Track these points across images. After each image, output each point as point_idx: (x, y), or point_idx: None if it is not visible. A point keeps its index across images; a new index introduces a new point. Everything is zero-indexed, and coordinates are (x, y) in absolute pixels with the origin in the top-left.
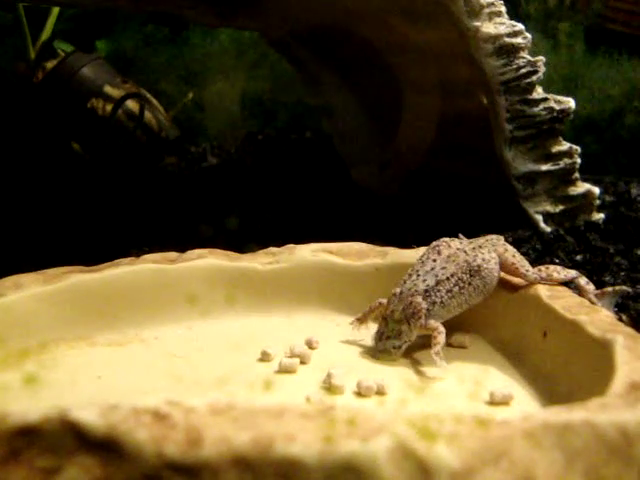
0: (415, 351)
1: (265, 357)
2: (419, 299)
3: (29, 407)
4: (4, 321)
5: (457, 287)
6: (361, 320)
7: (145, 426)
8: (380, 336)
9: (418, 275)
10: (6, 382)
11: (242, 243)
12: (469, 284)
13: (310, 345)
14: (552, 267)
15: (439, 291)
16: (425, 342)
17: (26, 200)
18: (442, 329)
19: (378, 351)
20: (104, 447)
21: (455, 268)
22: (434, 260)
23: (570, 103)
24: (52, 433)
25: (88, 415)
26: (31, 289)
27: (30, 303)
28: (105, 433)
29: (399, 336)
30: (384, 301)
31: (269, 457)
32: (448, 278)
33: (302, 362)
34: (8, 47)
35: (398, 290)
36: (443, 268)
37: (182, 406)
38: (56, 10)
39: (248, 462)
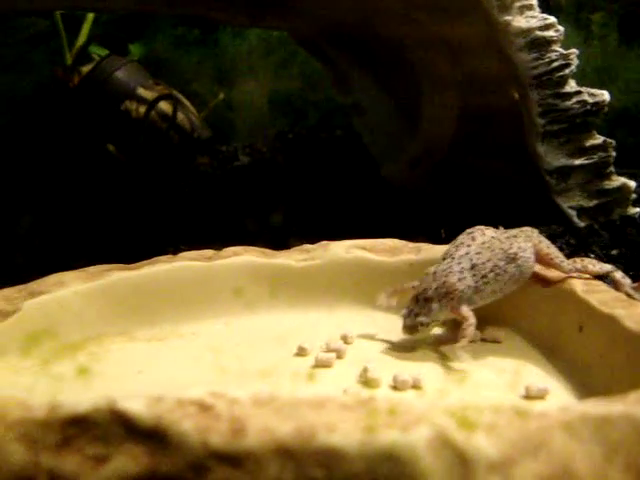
0: (450, 344)
1: (301, 352)
2: (454, 279)
3: (81, 397)
4: (49, 317)
5: (493, 273)
6: (390, 294)
7: (190, 417)
8: (409, 312)
9: (452, 258)
10: (61, 373)
11: (281, 240)
12: (505, 271)
13: (345, 340)
14: (587, 260)
15: (474, 275)
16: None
17: (66, 201)
18: (472, 321)
19: (405, 327)
20: (151, 437)
21: (490, 254)
22: (469, 245)
23: (604, 96)
24: (102, 422)
25: (136, 405)
26: (73, 286)
27: (72, 300)
28: (152, 423)
29: (428, 313)
30: (416, 284)
31: (311, 447)
32: (484, 263)
33: (338, 357)
34: (46, 53)
35: (432, 269)
36: (478, 253)
37: (226, 397)
38: (91, 16)
39: (290, 452)
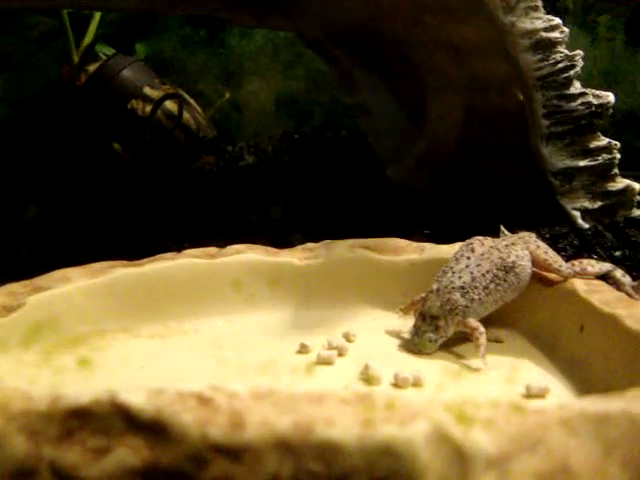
0: (451, 345)
1: (303, 349)
2: (457, 295)
3: (82, 389)
4: (53, 312)
5: (493, 284)
6: (405, 311)
7: (190, 410)
8: (417, 331)
9: (453, 272)
10: (62, 365)
11: (285, 239)
12: (504, 280)
13: (347, 338)
14: (586, 261)
15: (476, 288)
16: (459, 336)
17: (71, 199)
18: (482, 329)
19: (414, 344)
20: (151, 429)
21: (490, 265)
22: (468, 258)
23: (609, 97)
24: (103, 415)
25: (136, 398)
26: (78, 282)
27: (77, 295)
28: (152, 416)
29: (436, 330)
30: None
31: (309, 440)
32: (484, 275)
33: (340, 354)
34: (53, 52)
35: (435, 287)
36: (478, 265)
37: (225, 391)
38: (98, 15)
39: (289, 445)
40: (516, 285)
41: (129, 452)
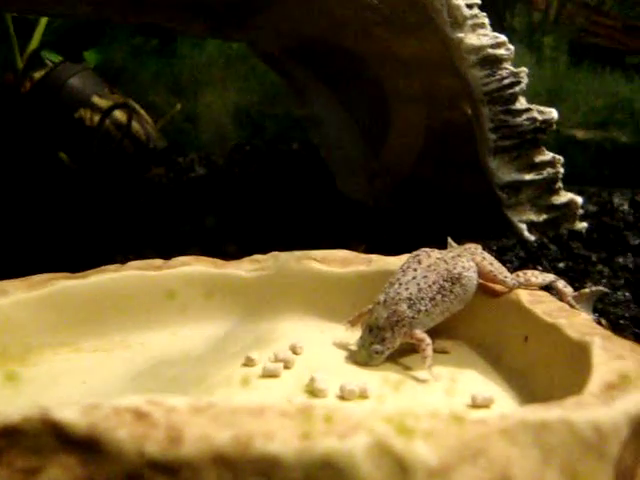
0: (398, 357)
1: (249, 362)
2: (403, 307)
3: (10, 407)
4: None
5: (440, 295)
6: (352, 322)
7: (126, 425)
8: (363, 342)
9: (400, 284)
10: None
11: (233, 251)
12: (450, 291)
13: (294, 350)
14: (530, 272)
15: (422, 299)
16: (407, 347)
17: (13, 208)
18: (429, 341)
19: (361, 356)
20: (85, 446)
21: (436, 276)
22: (415, 269)
23: (553, 113)
24: (33, 433)
25: (69, 414)
26: (15, 295)
27: (14, 309)
28: (86, 432)
29: (382, 342)
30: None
31: (248, 455)
32: (430, 286)
33: (286, 367)
34: None
35: (382, 298)
36: (424, 277)
37: (163, 405)
38: (44, 20)
39: (228, 460)
40: (462, 296)
41: (61, 471)
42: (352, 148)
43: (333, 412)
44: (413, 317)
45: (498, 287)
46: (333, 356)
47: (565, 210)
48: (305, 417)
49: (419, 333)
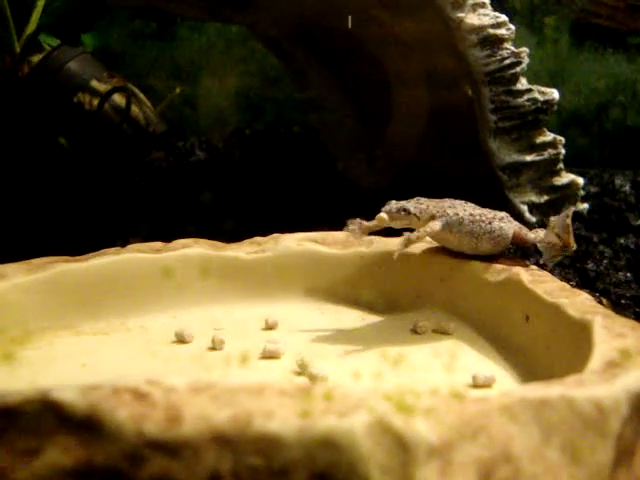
0: (396, 335)
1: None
2: (445, 204)
3: (10, 388)
4: None
5: (479, 219)
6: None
7: (125, 405)
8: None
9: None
10: None
11: (234, 234)
12: (489, 223)
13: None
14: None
15: (465, 210)
16: (404, 327)
17: (13, 193)
18: (436, 228)
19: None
20: (85, 427)
21: (476, 212)
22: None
23: (554, 94)
24: (33, 414)
25: (69, 395)
26: (15, 279)
27: (14, 292)
28: (85, 412)
29: (402, 206)
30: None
31: (248, 434)
32: (471, 214)
33: (286, 348)
34: None
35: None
36: (465, 211)
37: (162, 385)
38: (41, 3)
39: (227, 439)
40: (495, 236)
41: (62, 452)
42: (352, 131)
43: (333, 390)
44: (448, 214)
45: (500, 267)
46: (333, 338)
47: (566, 191)
48: (305, 396)
49: (434, 224)
